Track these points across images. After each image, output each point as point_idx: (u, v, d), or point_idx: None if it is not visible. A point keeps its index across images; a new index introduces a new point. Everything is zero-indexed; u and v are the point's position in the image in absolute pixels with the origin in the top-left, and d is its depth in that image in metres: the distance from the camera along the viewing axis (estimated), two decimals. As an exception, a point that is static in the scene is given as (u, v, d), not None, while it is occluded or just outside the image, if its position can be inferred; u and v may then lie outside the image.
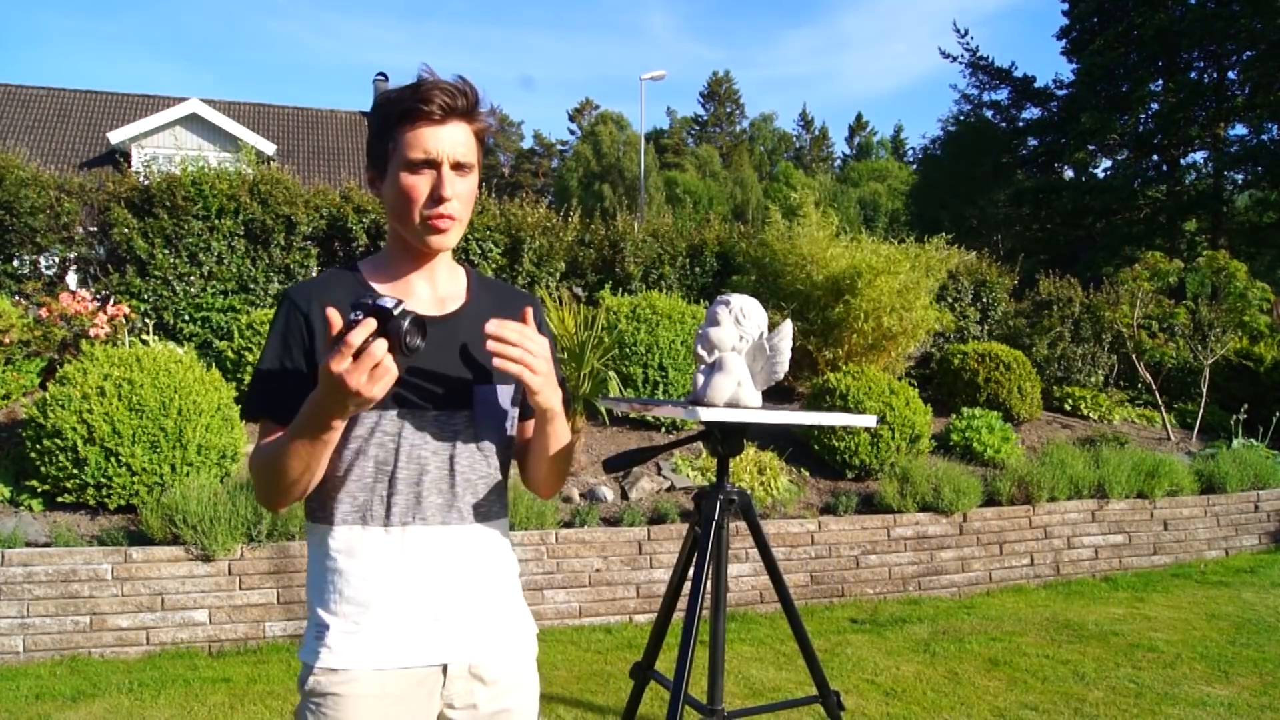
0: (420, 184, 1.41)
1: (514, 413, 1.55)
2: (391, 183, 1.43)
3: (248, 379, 3.09)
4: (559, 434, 1.50)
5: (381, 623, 1.42)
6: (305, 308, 1.45)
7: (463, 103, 1.41)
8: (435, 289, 1.52)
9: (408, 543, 1.43)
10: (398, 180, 1.42)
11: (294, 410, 1.36)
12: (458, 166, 1.42)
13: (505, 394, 1.52)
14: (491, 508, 1.52)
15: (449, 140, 1.40)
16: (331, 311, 1.22)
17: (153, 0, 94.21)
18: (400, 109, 1.41)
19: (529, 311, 1.45)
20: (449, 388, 1.46)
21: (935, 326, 7.98)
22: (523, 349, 1.36)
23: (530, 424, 1.57)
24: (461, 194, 1.44)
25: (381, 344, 1.21)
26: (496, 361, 1.36)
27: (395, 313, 1.22)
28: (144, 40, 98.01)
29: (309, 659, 1.42)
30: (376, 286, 1.49)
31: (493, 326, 1.35)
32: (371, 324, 1.21)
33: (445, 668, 1.45)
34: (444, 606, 1.45)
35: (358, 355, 1.20)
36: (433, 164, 1.40)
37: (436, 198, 1.40)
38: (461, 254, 7.10)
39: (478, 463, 1.49)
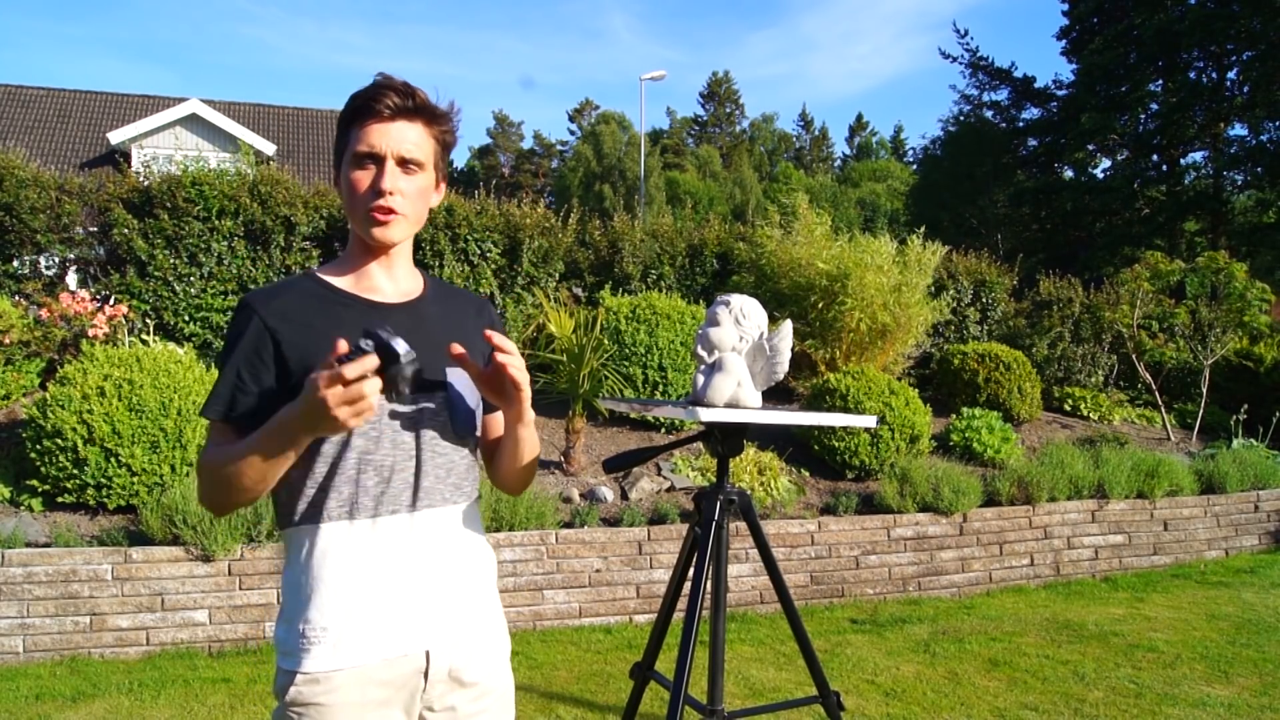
0: (364, 178, 1.45)
1: (479, 396, 1.56)
2: (342, 177, 1.48)
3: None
4: (532, 439, 1.55)
5: (369, 615, 1.41)
6: (265, 314, 1.43)
7: (411, 102, 1.45)
8: (397, 285, 1.55)
9: (395, 533, 1.44)
10: (347, 175, 1.47)
11: (253, 416, 1.38)
12: (404, 163, 1.46)
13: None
14: (470, 490, 1.56)
15: (395, 136, 1.44)
16: (341, 342, 1.23)
17: (119, 4, 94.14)
18: (352, 107, 1.46)
19: (491, 334, 1.43)
20: (420, 371, 1.47)
21: (932, 318, 7.97)
22: (520, 361, 1.43)
23: (495, 420, 1.61)
24: (406, 190, 1.47)
25: (375, 384, 1.22)
26: (512, 372, 1.41)
27: (403, 359, 1.22)
28: (114, 44, 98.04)
29: (290, 665, 1.40)
30: (336, 282, 1.50)
31: (498, 338, 1.41)
32: (374, 362, 1.21)
33: (426, 672, 1.45)
34: (427, 591, 1.46)
35: (348, 384, 1.20)
36: (376, 158, 1.44)
37: (376, 190, 1.44)
38: (461, 254, 7.10)
39: (454, 446, 1.51)
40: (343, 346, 1.22)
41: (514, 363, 1.41)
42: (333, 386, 1.20)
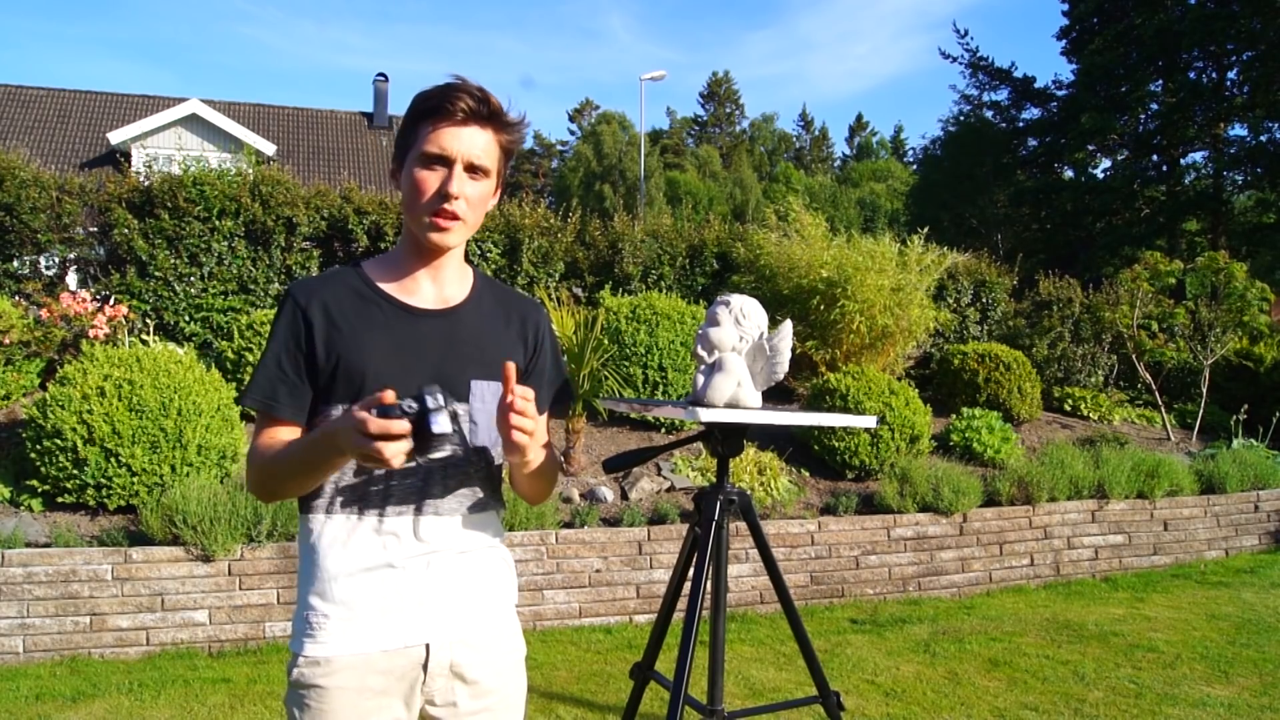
0: (430, 179, 1.45)
1: None
2: (406, 175, 1.48)
3: (248, 379, 3.09)
4: (538, 458, 1.50)
5: (368, 609, 1.44)
6: (305, 304, 1.48)
7: (485, 108, 1.45)
8: (440, 289, 1.55)
9: (400, 532, 1.46)
10: (411, 173, 1.46)
11: (286, 403, 1.44)
12: (471, 169, 1.46)
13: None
14: (487, 499, 1.55)
15: (466, 141, 1.44)
16: (389, 393, 1.24)
17: (119, 4, 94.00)
18: (426, 106, 1.46)
19: (514, 392, 1.37)
20: (445, 381, 1.47)
21: (933, 325, 7.98)
22: (537, 426, 1.38)
23: None
24: (470, 195, 1.47)
25: (399, 446, 1.23)
26: (514, 436, 1.36)
27: (435, 441, 1.23)
28: (114, 44, 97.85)
29: (296, 648, 1.45)
30: (382, 285, 1.52)
31: (520, 404, 1.35)
32: (403, 428, 1.23)
33: (426, 664, 1.47)
34: (429, 589, 1.47)
35: (371, 436, 1.23)
36: (445, 161, 1.44)
37: (443, 194, 1.44)
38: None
39: (471, 455, 1.51)
40: (389, 396, 1.24)
41: (523, 425, 1.35)
42: (361, 428, 1.23)
